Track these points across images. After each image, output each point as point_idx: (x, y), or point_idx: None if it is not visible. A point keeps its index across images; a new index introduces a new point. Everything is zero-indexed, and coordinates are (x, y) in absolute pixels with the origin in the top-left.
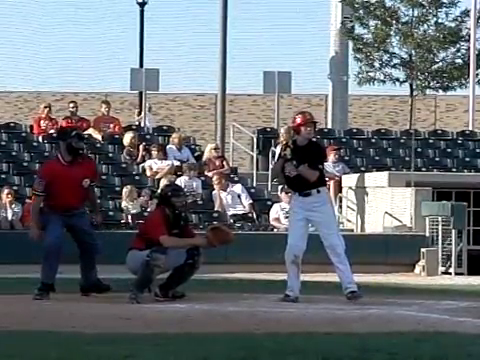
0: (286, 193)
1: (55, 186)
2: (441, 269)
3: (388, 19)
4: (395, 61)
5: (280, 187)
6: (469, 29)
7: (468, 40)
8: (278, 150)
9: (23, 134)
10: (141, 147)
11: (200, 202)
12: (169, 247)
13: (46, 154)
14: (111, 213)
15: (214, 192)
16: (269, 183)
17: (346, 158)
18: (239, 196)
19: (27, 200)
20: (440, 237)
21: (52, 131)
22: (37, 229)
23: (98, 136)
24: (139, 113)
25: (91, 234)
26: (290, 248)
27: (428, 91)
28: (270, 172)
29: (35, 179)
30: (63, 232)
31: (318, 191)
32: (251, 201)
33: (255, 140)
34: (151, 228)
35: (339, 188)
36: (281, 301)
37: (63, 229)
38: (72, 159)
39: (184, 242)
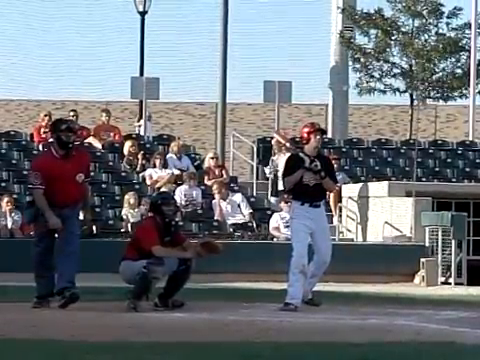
0: (285, 203)
1: (49, 180)
2: (441, 279)
3: (388, 29)
4: (395, 71)
5: (273, 199)
6: (469, 39)
7: (468, 50)
8: (281, 161)
9: (23, 142)
10: (140, 156)
11: (200, 211)
12: (161, 257)
13: None
14: (111, 222)
15: (214, 201)
16: (269, 192)
17: (346, 168)
18: (239, 205)
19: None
20: (440, 247)
21: (52, 140)
22: (54, 216)
23: (98, 145)
24: (139, 120)
25: (76, 241)
26: (300, 258)
27: (428, 101)
28: (283, 182)
29: (29, 175)
30: (53, 242)
31: (322, 203)
32: (251, 210)
33: (255, 149)
34: (143, 238)
35: (339, 198)
36: (281, 310)
37: (53, 238)
38: (65, 153)
39: (175, 253)
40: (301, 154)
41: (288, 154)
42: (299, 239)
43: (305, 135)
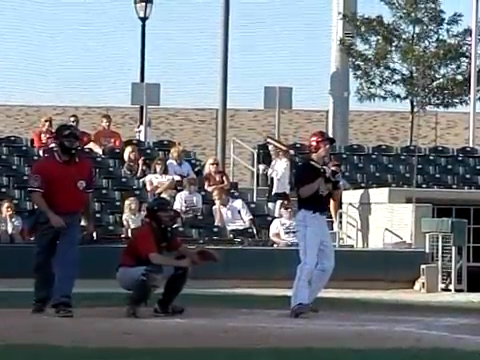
0: (285, 209)
1: (50, 185)
2: (441, 286)
3: (389, 36)
4: (396, 77)
5: (270, 204)
6: (470, 45)
7: (469, 56)
8: (278, 166)
9: (24, 148)
10: (141, 161)
11: (200, 217)
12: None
13: None
14: (111, 227)
15: (214, 207)
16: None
17: (346, 174)
18: (239, 211)
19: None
20: (440, 254)
21: (53, 145)
22: (56, 216)
23: (99, 150)
24: (139, 126)
25: (75, 248)
26: (312, 267)
27: (428, 108)
28: (298, 190)
29: (29, 178)
30: (53, 248)
31: None
32: (251, 216)
33: (255, 155)
34: (140, 245)
35: (339, 204)
36: (298, 314)
37: (53, 245)
38: (69, 159)
39: (172, 262)
40: (312, 163)
41: (285, 159)
42: (312, 248)
43: (314, 144)
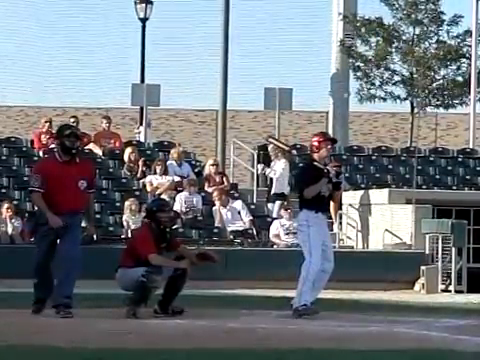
0: (285, 210)
1: (50, 184)
2: (441, 287)
3: (389, 37)
4: (396, 78)
5: (269, 205)
6: (470, 47)
7: (469, 58)
8: (277, 166)
9: (24, 148)
10: (141, 162)
11: (200, 218)
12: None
13: None
14: (111, 228)
15: (214, 208)
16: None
17: (346, 175)
18: (239, 212)
19: (27, 215)
20: (440, 255)
21: (53, 146)
22: (55, 217)
23: (99, 151)
24: (139, 127)
25: (77, 248)
26: (317, 266)
27: (429, 109)
28: (302, 190)
29: (30, 178)
30: (53, 250)
31: None
32: (251, 217)
33: (255, 156)
34: (139, 245)
35: (339, 205)
36: (303, 314)
37: (53, 247)
38: (69, 159)
39: (171, 263)
40: (315, 163)
41: (284, 159)
42: (317, 248)
43: (316, 144)
